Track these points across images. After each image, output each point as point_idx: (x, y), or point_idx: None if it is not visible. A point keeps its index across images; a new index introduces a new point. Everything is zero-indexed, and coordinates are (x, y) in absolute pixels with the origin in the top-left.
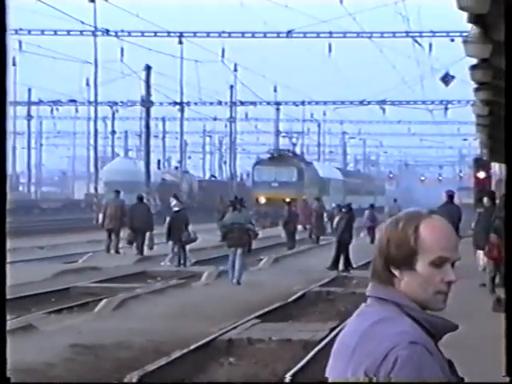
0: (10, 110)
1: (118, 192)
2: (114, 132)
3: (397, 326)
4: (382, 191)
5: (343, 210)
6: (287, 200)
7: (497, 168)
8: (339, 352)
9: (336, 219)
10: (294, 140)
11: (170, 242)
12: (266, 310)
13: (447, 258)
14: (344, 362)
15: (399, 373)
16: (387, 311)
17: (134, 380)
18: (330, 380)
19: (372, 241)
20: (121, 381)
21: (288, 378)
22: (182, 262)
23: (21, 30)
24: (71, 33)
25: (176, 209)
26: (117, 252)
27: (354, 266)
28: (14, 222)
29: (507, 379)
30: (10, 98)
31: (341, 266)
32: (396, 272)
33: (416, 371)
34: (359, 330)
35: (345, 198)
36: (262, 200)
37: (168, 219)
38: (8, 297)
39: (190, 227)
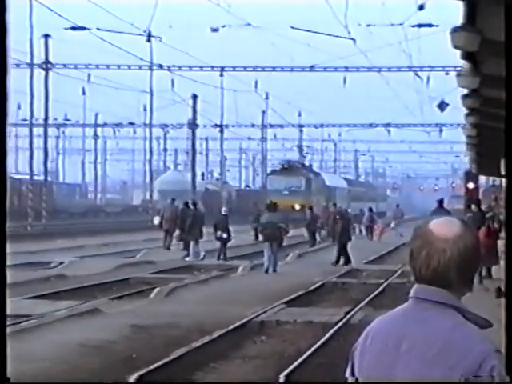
0: (10, 110)
1: (173, 199)
2: (165, 149)
3: (475, 332)
4: (384, 198)
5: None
6: (297, 207)
7: (483, 180)
8: (411, 352)
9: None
10: (304, 154)
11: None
12: (292, 297)
13: None
14: (426, 362)
15: (497, 380)
16: (453, 316)
17: (180, 353)
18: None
19: (371, 238)
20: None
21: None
22: (221, 256)
23: (90, 65)
24: (131, 67)
25: (225, 212)
26: (168, 249)
27: (365, 261)
28: (83, 223)
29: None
30: (10, 98)
31: (341, 261)
32: (468, 280)
33: (504, 378)
34: (439, 334)
35: (349, 204)
36: None
37: (189, 219)
38: (77, 285)
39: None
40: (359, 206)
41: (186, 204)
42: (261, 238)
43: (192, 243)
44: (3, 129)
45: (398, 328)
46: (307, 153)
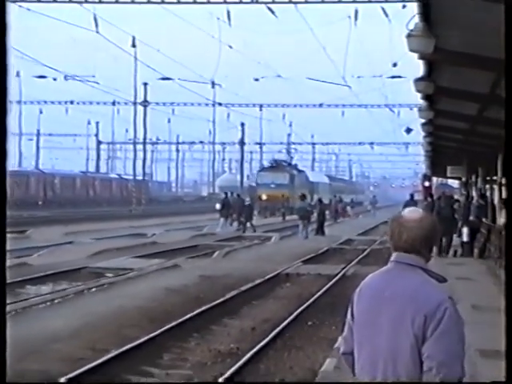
0: (11, 110)
1: (232, 193)
2: (223, 159)
3: (435, 285)
4: (362, 191)
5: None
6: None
7: (435, 180)
8: (392, 299)
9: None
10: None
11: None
12: (307, 257)
13: None
14: (402, 306)
15: (449, 318)
16: (420, 274)
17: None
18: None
19: (342, 219)
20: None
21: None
22: (253, 230)
23: (173, 103)
24: (201, 104)
25: (247, 202)
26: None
27: (355, 234)
28: (168, 208)
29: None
30: (11, 97)
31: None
32: (433, 248)
33: (458, 318)
34: (411, 286)
35: (331, 196)
36: (264, 197)
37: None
38: (164, 249)
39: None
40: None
41: (238, 195)
42: (296, 217)
43: (223, 220)
44: (4, 129)
45: (383, 282)
46: (293, 153)
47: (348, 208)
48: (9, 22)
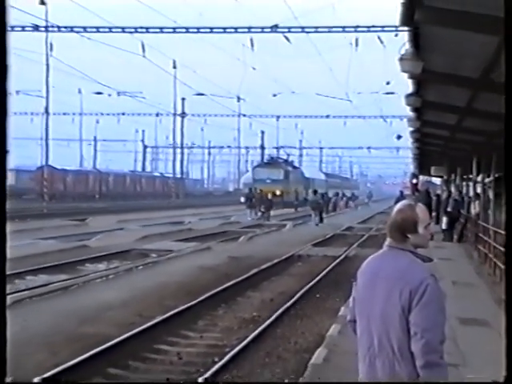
0: (11, 108)
1: (253, 188)
2: (246, 161)
3: (420, 265)
4: (356, 187)
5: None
6: (277, 193)
7: (421, 178)
8: (384, 277)
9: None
10: (288, 154)
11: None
12: (316, 241)
13: (430, 222)
14: (392, 283)
15: (430, 292)
16: (409, 256)
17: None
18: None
19: (334, 209)
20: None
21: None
22: (266, 219)
23: (205, 114)
24: (228, 116)
25: (269, 197)
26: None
27: (356, 222)
28: (201, 201)
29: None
30: (11, 98)
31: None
32: (408, 235)
33: (438, 291)
34: (400, 266)
35: (327, 191)
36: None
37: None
38: (198, 234)
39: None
40: (337, 191)
41: (261, 190)
42: (309, 208)
43: (250, 210)
44: (4, 128)
45: (379, 263)
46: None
47: (349, 201)
48: (9, 21)
